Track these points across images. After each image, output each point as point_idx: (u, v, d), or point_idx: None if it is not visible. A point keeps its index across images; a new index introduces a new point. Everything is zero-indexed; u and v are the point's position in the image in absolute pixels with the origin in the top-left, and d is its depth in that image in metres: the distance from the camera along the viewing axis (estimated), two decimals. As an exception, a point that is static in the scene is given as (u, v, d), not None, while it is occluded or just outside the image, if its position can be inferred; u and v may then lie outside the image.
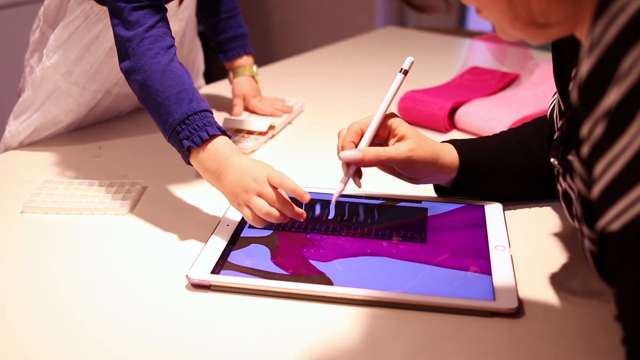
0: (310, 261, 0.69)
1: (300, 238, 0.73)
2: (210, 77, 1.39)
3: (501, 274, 0.66)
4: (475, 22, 3.14)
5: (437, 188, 0.82)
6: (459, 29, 2.89)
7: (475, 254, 0.69)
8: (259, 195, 0.69)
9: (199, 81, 1.31)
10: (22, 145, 1.01)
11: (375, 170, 0.77)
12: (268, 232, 0.74)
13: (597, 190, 0.43)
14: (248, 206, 0.70)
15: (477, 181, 0.78)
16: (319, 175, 0.92)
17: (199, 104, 0.76)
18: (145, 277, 0.68)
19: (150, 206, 0.83)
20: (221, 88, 1.31)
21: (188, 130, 0.74)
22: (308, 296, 0.64)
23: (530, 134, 0.80)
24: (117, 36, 0.79)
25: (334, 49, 1.64)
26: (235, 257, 0.70)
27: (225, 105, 1.20)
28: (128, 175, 0.91)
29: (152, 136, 1.05)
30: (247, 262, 0.69)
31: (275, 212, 0.69)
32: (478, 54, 1.30)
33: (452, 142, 0.79)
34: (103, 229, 0.78)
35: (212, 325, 0.61)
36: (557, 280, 0.67)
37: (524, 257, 0.70)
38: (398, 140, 0.73)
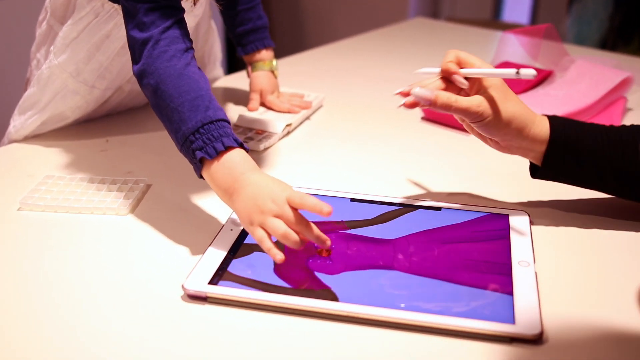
0: (316, 273, 0.64)
1: (307, 246, 0.68)
2: (238, 66, 1.33)
3: (524, 295, 0.60)
4: (511, 13, 3.04)
5: (532, 168, 0.75)
6: (494, 20, 2.80)
7: (496, 270, 0.64)
8: (277, 217, 0.63)
9: (217, 71, 1.26)
10: (26, 139, 0.97)
11: (394, 171, 0.71)
12: (273, 239, 0.69)
13: None
14: (263, 227, 0.63)
15: (569, 160, 0.70)
16: (336, 176, 0.87)
17: (216, 113, 0.69)
18: (140, 285, 0.64)
19: (152, 206, 0.79)
20: (241, 79, 1.26)
21: (202, 140, 0.68)
22: (310, 312, 0.59)
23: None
24: (130, 38, 0.74)
25: (359, 40, 1.58)
26: (235, 266, 0.65)
27: (244, 98, 1.15)
28: (133, 172, 0.87)
29: (162, 132, 1.01)
30: (248, 272, 0.64)
31: (294, 235, 0.62)
32: (510, 48, 1.23)
33: (549, 116, 0.72)
34: (101, 230, 0.74)
35: (206, 340, 0.56)
36: (586, 303, 0.61)
37: (550, 275, 0.64)
38: (479, 92, 0.69)
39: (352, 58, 1.43)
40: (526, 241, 0.68)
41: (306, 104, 1.07)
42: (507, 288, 0.61)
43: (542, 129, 0.70)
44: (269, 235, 0.63)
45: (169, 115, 0.70)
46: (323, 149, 0.96)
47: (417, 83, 0.70)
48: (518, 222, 0.71)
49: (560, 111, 0.97)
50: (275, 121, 1.00)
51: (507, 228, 0.70)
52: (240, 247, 0.68)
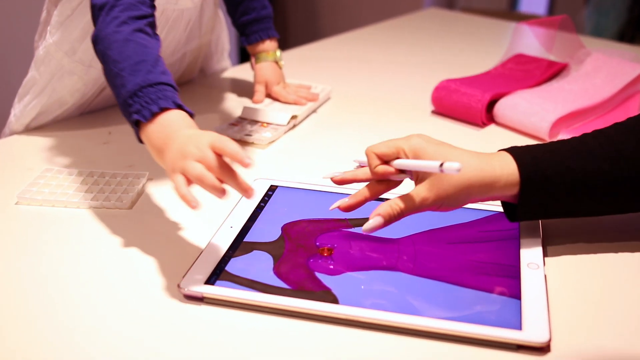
0: (317, 274, 0.62)
1: (308, 245, 0.66)
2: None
3: (532, 299, 0.57)
4: (528, 4, 2.99)
5: (505, 207, 0.66)
6: (510, 11, 2.75)
7: (503, 273, 0.61)
8: (198, 161, 0.59)
9: (224, 62, 1.24)
10: (28, 129, 0.96)
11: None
12: (275, 237, 0.67)
13: None
14: (183, 173, 0.60)
15: (547, 200, 0.62)
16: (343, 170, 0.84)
17: (158, 76, 0.66)
18: (137, 284, 0.62)
19: (153, 201, 0.77)
20: (247, 70, 1.24)
21: (140, 103, 0.65)
22: (309, 315, 0.57)
23: (620, 134, 0.63)
24: (90, 4, 0.72)
25: (370, 31, 1.55)
26: (234, 265, 0.63)
27: (250, 89, 1.13)
28: (134, 165, 0.85)
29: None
30: (246, 271, 0.62)
31: (211, 177, 0.58)
32: (524, 40, 1.20)
33: (511, 150, 0.63)
34: (99, 226, 0.72)
35: (202, 343, 0.55)
36: (597, 310, 0.58)
37: (560, 279, 0.62)
38: (418, 178, 0.62)
39: (363, 49, 1.40)
40: (536, 242, 0.65)
41: (313, 96, 1.05)
42: (514, 292, 0.58)
43: (508, 172, 0.61)
44: (190, 182, 0.60)
45: (113, 81, 0.68)
46: (329, 143, 0.94)
47: (347, 172, 0.67)
48: (528, 221, 0.69)
49: (574, 106, 0.94)
50: (280, 113, 0.97)
51: (517, 228, 0.68)
52: (240, 244, 0.66)
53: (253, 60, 1.07)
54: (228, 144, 0.59)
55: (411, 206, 0.60)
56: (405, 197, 0.60)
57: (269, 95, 1.06)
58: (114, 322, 0.57)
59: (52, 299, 0.60)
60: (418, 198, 0.60)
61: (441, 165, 0.56)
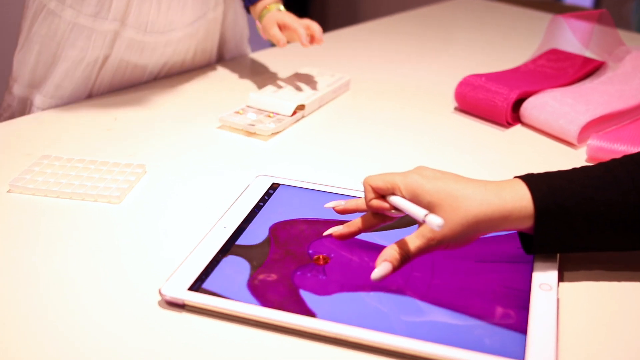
0: (301, 292, 0.55)
1: (299, 253, 0.61)
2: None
3: (540, 327, 0.52)
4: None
5: (522, 237, 0.60)
6: (554, 2, 2.65)
7: (513, 298, 0.56)
8: None
9: (244, 48, 1.19)
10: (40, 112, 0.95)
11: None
12: (260, 240, 0.62)
13: None
14: None
15: (566, 234, 0.56)
16: (352, 169, 0.79)
17: None
18: (119, 284, 0.58)
19: (148, 195, 0.73)
20: (267, 56, 1.19)
21: None
22: (298, 331, 0.52)
23: None
24: None
25: (398, 19, 1.49)
26: (221, 271, 0.59)
27: (267, 78, 1.08)
28: (135, 154, 0.82)
29: (171, 112, 0.95)
30: (219, 284, 0.56)
31: None
32: (560, 34, 1.12)
33: (526, 178, 0.57)
34: (90, 219, 0.68)
35: (178, 352, 0.51)
36: (608, 341, 0.53)
37: (572, 301, 0.56)
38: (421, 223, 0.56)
39: (388, 38, 1.34)
40: (552, 263, 0.60)
41: (319, 39, 0.96)
42: (521, 319, 0.53)
43: (522, 205, 0.55)
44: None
45: None
46: (340, 138, 0.89)
47: (350, 202, 0.62)
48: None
49: (608, 108, 0.87)
50: (285, 102, 0.92)
51: (532, 244, 0.62)
52: (231, 248, 0.62)
53: (258, 23, 1.01)
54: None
55: (416, 249, 0.55)
56: (410, 239, 0.55)
57: (287, 34, 0.97)
58: (90, 324, 0.53)
59: (31, 294, 0.56)
60: (423, 239, 0.55)
61: (426, 215, 0.53)
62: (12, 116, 1.01)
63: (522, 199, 0.55)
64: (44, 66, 0.96)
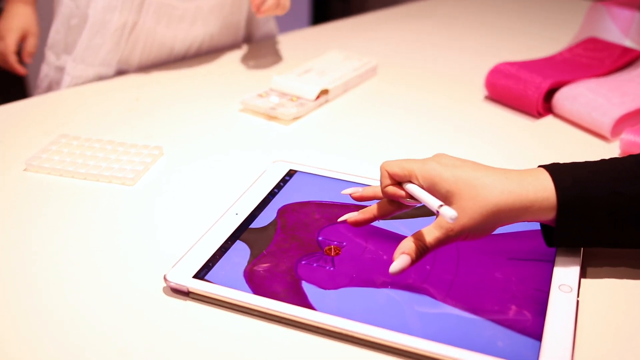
0: (304, 284, 0.53)
1: (306, 240, 0.58)
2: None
3: (556, 331, 0.49)
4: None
5: (544, 229, 0.58)
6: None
7: (530, 297, 0.53)
8: None
9: (270, 25, 1.17)
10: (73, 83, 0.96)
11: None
12: (268, 222, 0.60)
13: None
14: None
15: (588, 228, 0.54)
16: (372, 159, 0.77)
17: None
18: (127, 270, 0.57)
19: (164, 177, 0.72)
20: (295, 38, 1.17)
21: None
22: (305, 325, 0.51)
23: None
24: None
25: (435, 3, 1.45)
26: (229, 259, 0.57)
27: (296, 58, 1.06)
28: (154, 135, 0.81)
29: (195, 93, 0.94)
30: (229, 271, 0.55)
31: None
32: (600, 22, 1.08)
33: (551, 168, 0.55)
34: (103, 201, 0.68)
35: (180, 340, 0.49)
36: (633, 345, 0.50)
37: (594, 305, 0.54)
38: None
39: (422, 22, 1.30)
40: (574, 261, 0.57)
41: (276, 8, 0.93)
42: (538, 319, 0.51)
43: (544, 195, 0.52)
44: None
45: None
46: (364, 124, 0.86)
47: (367, 189, 0.60)
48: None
49: (645, 101, 0.83)
50: (309, 86, 0.89)
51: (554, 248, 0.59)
52: (242, 235, 0.60)
53: None
54: None
55: (435, 240, 0.53)
56: (429, 231, 0.53)
57: None
58: (92, 307, 0.53)
59: (35, 276, 0.56)
60: (442, 230, 0.52)
61: (440, 206, 0.51)
62: (49, 87, 1.02)
63: (544, 190, 0.53)
64: (74, 30, 0.97)
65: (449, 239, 0.53)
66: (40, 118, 0.85)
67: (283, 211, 0.61)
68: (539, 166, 0.56)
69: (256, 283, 0.53)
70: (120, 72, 0.99)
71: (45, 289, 0.55)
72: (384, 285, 0.54)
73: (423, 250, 0.53)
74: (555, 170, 0.54)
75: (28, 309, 0.53)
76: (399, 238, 0.58)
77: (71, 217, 0.65)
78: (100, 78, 0.98)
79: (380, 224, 0.61)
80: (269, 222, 0.60)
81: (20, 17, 1.07)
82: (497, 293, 0.53)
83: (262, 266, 0.55)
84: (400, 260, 0.52)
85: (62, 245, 0.61)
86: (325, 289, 0.53)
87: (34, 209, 0.66)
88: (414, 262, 0.53)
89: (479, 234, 0.53)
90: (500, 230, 0.56)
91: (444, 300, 0.53)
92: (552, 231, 0.55)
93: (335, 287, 0.53)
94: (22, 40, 1.08)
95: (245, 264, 0.55)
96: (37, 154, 0.74)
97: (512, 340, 0.49)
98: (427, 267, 0.56)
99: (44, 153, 0.74)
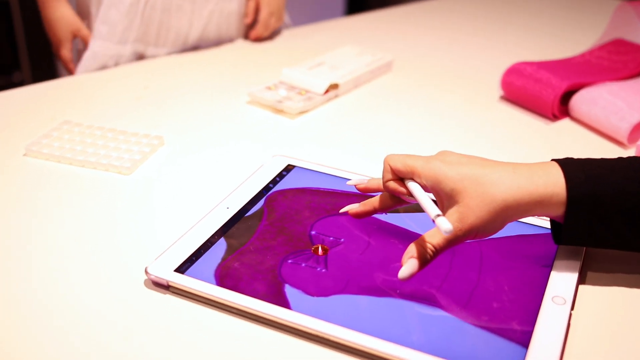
0: (287, 288, 0.49)
1: (296, 233, 0.54)
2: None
3: (545, 343, 0.47)
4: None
5: (553, 224, 0.56)
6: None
7: (522, 306, 0.51)
8: None
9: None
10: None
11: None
12: (256, 208, 0.56)
13: None
14: None
15: (597, 227, 0.51)
16: (377, 158, 0.75)
17: None
18: (109, 260, 0.57)
19: (161, 168, 0.71)
20: (308, 31, 1.15)
21: None
22: (289, 327, 0.49)
23: None
24: None
25: (455, 1, 1.42)
26: (213, 254, 0.56)
27: (306, 52, 1.04)
28: (158, 125, 0.80)
29: (205, 83, 0.93)
30: (210, 266, 0.53)
31: None
32: (627, 23, 1.03)
33: (563, 163, 0.52)
34: (97, 189, 0.67)
35: (157, 333, 0.48)
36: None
37: (587, 319, 0.51)
38: (443, 208, 0.53)
39: (442, 19, 1.27)
40: (572, 269, 0.54)
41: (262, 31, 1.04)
42: (528, 330, 0.48)
43: (554, 191, 0.50)
44: None
45: None
46: (373, 121, 0.84)
47: (373, 180, 0.59)
48: (569, 247, 0.57)
49: (666, 107, 0.79)
50: (318, 80, 0.88)
51: (553, 253, 0.57)
52: (230, 230, 0.59)
53: None
54: None
55: (444, 241, 0.51)
56: (436, 232, 0.51)
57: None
58: (80, 291, 0.52)
59: (24, 262, 0.56)
60: (453, 224, 0.50)
61: (437, 216, 0.49)
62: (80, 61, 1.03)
63: (555, 185, 0.51)
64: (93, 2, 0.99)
65: (457, 239, 0.51)
66: (49, 103, 0.85)
67: (271, 198, 0.56)
68: (552, 160, 0.54)
69: (228, 285, 0.50)
70: (137, 56, 1.00)
71: (33, 273, 0.54)
72: (387, 293, 0.51)
73: (433, 253, 0.51)
74: (568, 165, 0.52)
75: (16, 290, 0.52)
76: (406, 234, 0.56)
77: (63, 203, 0.64)
78: (119, 57, 0.99)
79: (386, 217, 0.59)
80: (254, 211, 0.56)
81: (65, 21, 1.03)
82: (490, 297, 0.51)
83: (237, 264, 0.52)
84: (409, 265, 0.50)
85: (50, 230, 0.60)
86: (312, 295, 0.49)
87: (29, 194, 0.66)
88: (422, 266, 0.50)
89: (488, 231, 0.52)
90: (499, 233, 0.54)
91: (440, 297, 0.51)
92: (561, 228, 0.53)
93: (326, 294, 0.49)
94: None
95: (219, 260, 0.52)
96: (38, 139, 0.73)
97: (497, 348, 0.46)
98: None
99: (45, 139, 0.74)
